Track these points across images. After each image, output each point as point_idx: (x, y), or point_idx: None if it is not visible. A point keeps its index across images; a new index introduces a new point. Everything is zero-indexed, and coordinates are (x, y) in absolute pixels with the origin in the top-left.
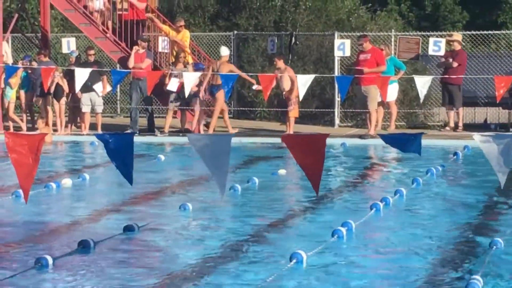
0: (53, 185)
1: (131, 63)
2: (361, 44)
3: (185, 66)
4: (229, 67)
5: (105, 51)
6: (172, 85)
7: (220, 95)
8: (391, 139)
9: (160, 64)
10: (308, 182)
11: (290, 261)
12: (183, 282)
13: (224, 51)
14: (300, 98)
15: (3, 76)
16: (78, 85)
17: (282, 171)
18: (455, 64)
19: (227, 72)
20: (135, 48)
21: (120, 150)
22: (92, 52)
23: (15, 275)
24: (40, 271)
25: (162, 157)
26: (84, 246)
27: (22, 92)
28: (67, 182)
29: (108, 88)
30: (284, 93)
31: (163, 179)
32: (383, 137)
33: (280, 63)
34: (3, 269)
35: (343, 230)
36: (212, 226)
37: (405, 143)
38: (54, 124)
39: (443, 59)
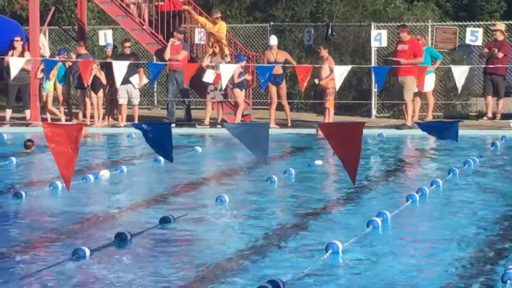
0: (91, 177)
1: (167, 55)
2: (400, 34)
3: (222, 58)
4: (284, 55)
5: (142, 43)
6: (208, 76)
7: (284, 85)
8: (428, 127)
9: (196, 55)
10: (344, 173)
11: (326, 251)
12: (219, 274)
13: (275, 40)
14: (337, 89)
15: (41, 68)
16: (117, 79)
17: (318, 162)
18: (500, 55)
19: (284, 60)
20: (171, 40)
21: (158, 139)
22: (128, 44)
23: (52, 266)
24: (78, 263)
25: (199, 149)
26: (121, 238)
27: (58, 85)
28: (105, 174)
29: (145, 80)
30: (321, 82)
31: (200, 170)
32: (420, 125)
33: (324, 52)
34: (41, 260)
35: (379, 220)
36: (248, 217)
37: (442, 130)
38: (92, 116)
39: (486, 50)
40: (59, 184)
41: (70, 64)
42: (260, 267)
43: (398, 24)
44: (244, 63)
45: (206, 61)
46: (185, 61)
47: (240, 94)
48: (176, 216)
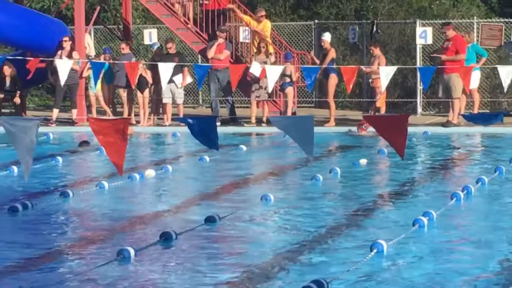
0: (137, 176)
1: (210, 53)
2: (445, 32)
3: (267, 56)
4: (332, 54)
5: (187, 42)
6: (255, 68)
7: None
8: (472, 117)
9: (241, 54)
10: (389, 173)
11: (371, 251)
12: (264, 274)
13: (329, 36)
14: (383, 90)
15: (87, 68)
16: (163, 80)
17: (363, 161)
18: None
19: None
20: (219, 40)
21: (203, 130)
22: (170, 45)
23: (98, 267)
24: (123, 263)
25: (244, 147)
26: (166, 238)
27: (103, 84)
28: (150, 173)
29: (189, 79)
30: (370, 81)
31: (244, 169)
32: (465, 116)
33: (377, 51)
34: (87, 260)
35: (424, 219)
36: (293, 216)
37: (487, 119)
38: (137, 115)
39: None
40: (106, 184)
41: (113, 64)
42: (304, 267)
43: (443, 21)
44: (292, 61)
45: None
46: (227, 61)
47: (292, 92)
48: (221, 215)
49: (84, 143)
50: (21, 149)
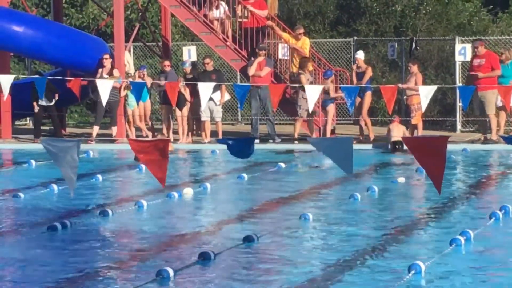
0: (175, 194)
1: (251, 71)
2: (476, 48)
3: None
4: (370, 72)
5: (226, 60)
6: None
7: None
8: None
9: (280, 71)
10: (427, 190)
11: (409, 272)
12: None
13: (363, 55)
14: (423, 110)
15: (124, 85)
16: (202, 98)
17: (401, 179)
18: None
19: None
20: (258, 58)
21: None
22: (207, 61)
23: (137, 287)
24: (162, 284)
25: (283, 165)
26: (204, 258)
27: (141, 102)
28: (188, 191)
29: (227, 97)
30: (405, 98)
31: (283, 187)
32: (505, 138)
33: (414, 68)
34: (125, 280)
35: (462, 239)
36: (331, 236)
37: None
38: (176, 133)
39: None
40: (144, 203)
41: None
42: (342, 287)
43: (481, 37)
44: (332, 77)
45: (304, 79)
46: (268, 77)
47: (332, 110)
48: (260, 234)
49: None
50: (64, 166)
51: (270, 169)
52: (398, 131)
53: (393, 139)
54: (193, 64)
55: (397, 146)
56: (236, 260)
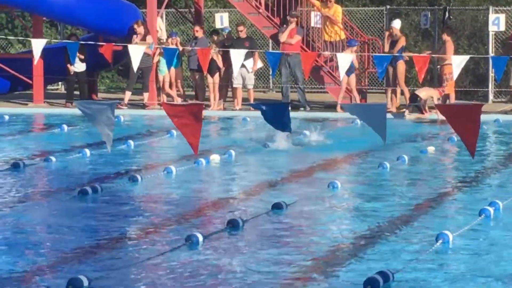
0: (203, 161)
1: (282, 38)
2: None
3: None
4: (403, 41)
5: (258, 27)
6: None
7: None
8: None
9: (312, 39)
10: (457, 161)
11: (437, 241)
12: (330, 262)
13: (399, 24)
14: (454, 79)
15: (158, 52)
16: (235, 65)
17: (431, 149)
18: None
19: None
20: (290, 25)
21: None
22: (241, 28)
23: (166, 252)
24: (191, 249)
25: (308, 133)
26: (233, 225)
27: (172, 68)
28: (215, 158)
29: (259, 64)
30: (438, 67)
31: (310, 155)
32: None
33: (445, 36)
34: (155, 245)
35: (491, 209)
36: (359, 205)
37: None
38: (207, 99)
39: None
40: (173, 169)
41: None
42: (369, 257)
43: None
44: (356, 48)
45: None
46: (298, 45)
47: (354, 80)
48: (289, 202)
49: None
50: (100, 125)
51: (297, 136)
52: (427, 91)
53: (417, 92)
54: (218, 32)
55: (418, 98)
56: (264, 228)
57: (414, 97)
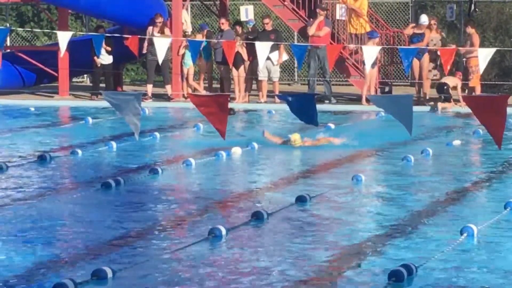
0: (223, 153)
1: (311, 31)
2: None
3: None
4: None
5: (283, 20)
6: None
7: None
8: None
9: (337, 32)
10: (483, 155)
11: (461, 234)
12: (355, 255)
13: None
14: (481, 72)
15: (183, 45)
16: (260, 58)
17: (457, 142)
18: None
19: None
20: (318, 18)
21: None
22: (267, 21)
23: (189, 245)
24: (214, 242)
25: (332, 126)
26: (257, 217)
27: (202, 60)
28: (236, 150)
29: (285, 57)
30: (464, 60)
31: (335, 148)
32: None
33: (469, 29)
34: (178, 238)
35: None
36: (383, 198)
37: None
38: (233, 92)
39: None
40: (193, 161)
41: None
42: (394, 250)
43: None
44: (377, 40)
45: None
46: (326, 38)
47: (375, 73)
48: (312, 195)
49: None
50: (128, 114)
51: (320, 129)
52: (452, 79)
53: (443, 80)
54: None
55: (445, 87)
56: (288, 220)
57: (441, 87)
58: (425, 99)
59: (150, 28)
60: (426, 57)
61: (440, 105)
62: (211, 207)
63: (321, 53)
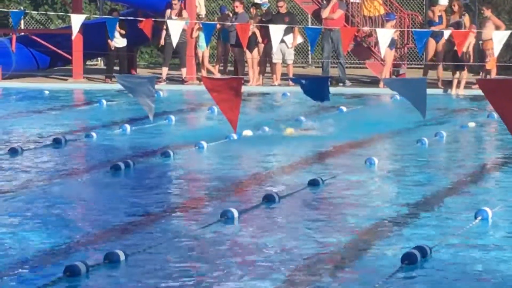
0: (234, 136)
1: (325, 13)
2: None
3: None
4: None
5: (297, 2)
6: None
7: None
8: None
9: (352, 14)
10: (497, 137)
11: (475, 218)
12: (368, 238)
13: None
14: (495, 55)
15: (197, 27)
16: (274, 41)
17: (471, 124)
18: None
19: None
20: (332, 0)
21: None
22: (281, 3)
23: (201, 228)
24: (226, 224)
25: (344, 108)
26: (269, 200)
27: (219, 43)
28: (247, 133)
29: (299, 39)
30: (481, 43)
31: (347, 131)
32: None
33: (488, 12)
34: (190, 221)
35: None
36: (397, 180)
37: None
38: (246, 75)
39: None
40: (205, 144)
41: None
42: (407, 232)
43: None
44: (394, 22)
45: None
46: (340, 20)
47: (391, 55)
48: (325, 178)
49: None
50: (141, 96)
51: (333, 112)
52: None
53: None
54: (257, 5)
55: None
56: (300, 203)
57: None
58: (440, 82)
59: (168, 11)
60: (443, 40)
61: (454, 87)
62: (223, 189)
63: (334, 35)
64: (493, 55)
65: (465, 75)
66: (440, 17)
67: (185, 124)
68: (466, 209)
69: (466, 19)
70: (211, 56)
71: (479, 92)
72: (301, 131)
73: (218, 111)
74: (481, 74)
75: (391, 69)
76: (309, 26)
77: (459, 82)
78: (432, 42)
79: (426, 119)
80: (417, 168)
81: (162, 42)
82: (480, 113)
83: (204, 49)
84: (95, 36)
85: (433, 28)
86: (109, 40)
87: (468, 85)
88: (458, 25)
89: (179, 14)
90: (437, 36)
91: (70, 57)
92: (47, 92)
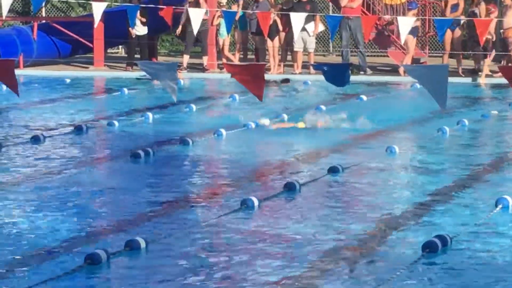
0: (252, 124)
1: (343, 2)
2: None
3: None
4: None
5: None
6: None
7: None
8: None
9: (373, 2)
10: None
11: (496, 206)
12: (389, 226)
13: None
14: None
15: (217, 15)
16: (295, 29)
17: (494, 112)
18: None
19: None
20: None
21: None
22: None
23: (221, 216)
24: (246, 212)
25: (364, 97)
26: (289, 188)
27: (237, 31)
28: (265, 121)
29: (321, 27)
30: (502, 31)
31: (368, 119)
32: None
33: (508, 1)
34: (210, 209)
35: None
36: (417, 169)
37: None
38: (267, 62)
39: None
40: (223, 132)
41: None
42: (428, 221)
43: None
44: (416, 10)
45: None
46: (359, 9)
47: (412, 41)
48: (345, 166)
49: (285, 80)
50: (165, 80)
51: (353, 101)
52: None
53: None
54: None
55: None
56: (321, 191)
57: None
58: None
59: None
60: (458, 28)
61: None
62: (243, 177)
63: (352, 23)
64: None
65: (488, 62)
66: (456, 5)
67: (205, 112)
68: (486, 197)
69: (482, 7)
70: (231, 44)
71: (500, 80)
72: (319, 120)
73: (239, 100)
74: (502, 62)
75: (413, 57)
76: (331, 14)
77: (480, 70)
78: (447, 31)
79: (447, 107)
80: (438, 156)
81: (179, 31)
82: (502, 102)
83: (224, 37)
84: (116, 24)
85: (450, 16)
86: (130, 28)
87: (490, 74)
88: (474, 15)
89: (197, 6)
90: (452, 25)
91: (91, 45)
92: (68, 80)
